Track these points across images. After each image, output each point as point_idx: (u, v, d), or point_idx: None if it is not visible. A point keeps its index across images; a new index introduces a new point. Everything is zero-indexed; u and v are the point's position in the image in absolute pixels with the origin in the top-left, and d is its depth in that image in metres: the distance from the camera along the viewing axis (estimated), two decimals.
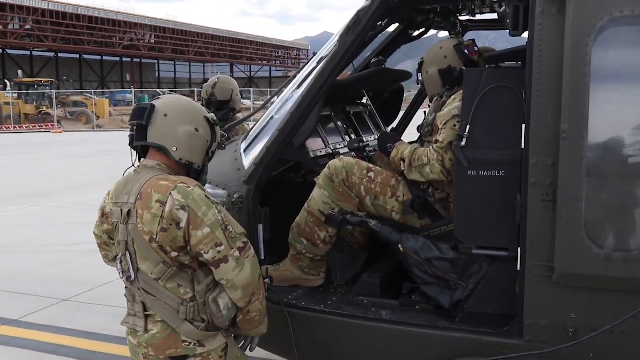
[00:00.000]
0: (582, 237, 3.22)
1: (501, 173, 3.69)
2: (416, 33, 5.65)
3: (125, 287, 3.34)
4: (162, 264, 3.14)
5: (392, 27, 5.54)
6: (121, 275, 3.27)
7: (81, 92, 61.75)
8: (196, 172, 3.37)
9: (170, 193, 3.09)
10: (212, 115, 3.44)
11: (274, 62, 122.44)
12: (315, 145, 5.15)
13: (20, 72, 68.75)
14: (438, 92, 4.47)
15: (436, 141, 4.11)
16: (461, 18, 5.44)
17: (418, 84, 4.79)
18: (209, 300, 3.21)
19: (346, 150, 5.42)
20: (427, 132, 4.55)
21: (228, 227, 3.19)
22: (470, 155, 3.75)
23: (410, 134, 5.86)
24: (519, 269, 3.53)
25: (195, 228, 3.09)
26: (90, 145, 29.18)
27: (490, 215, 3.75)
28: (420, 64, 4.60)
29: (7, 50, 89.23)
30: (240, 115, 7.09)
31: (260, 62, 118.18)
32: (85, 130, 42.59)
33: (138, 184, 3.18)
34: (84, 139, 32.31)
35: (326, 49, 4.43)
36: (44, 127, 42.49)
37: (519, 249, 3.52)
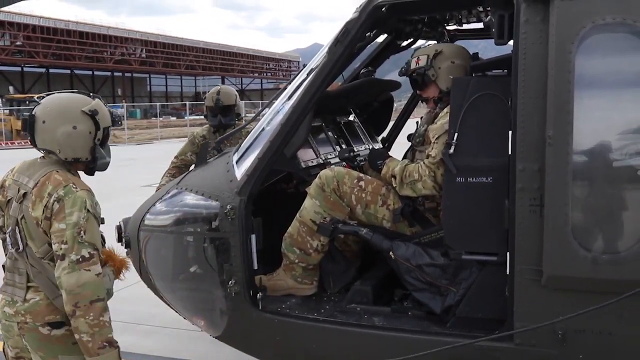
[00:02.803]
0: (569, 241, 3.27)
1: (489, 179, 3.75)
2: (405, 43, 5.70)
3: (7, 259, 3.64)
4: (47, 245, 3.48)
5: (381, 38, 5.60)
6: (10, 247, 3.57)
7: None
8: (86, 164, 3.67)
9: (58, 188, 3.44)
10: (89, 107, 3.60)
11: (265, 74, 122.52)
12: (306, 156, 5.18)
13: (11, 88, 68.71)
14: None
15: (428, 156, 4.16)
16: (448, 28, 5.50)
17: (404, 74, 4.63)
18: None
19: (337, 160, 5.46)
20: (419, 142, 4.60)
21: (81, 233, 3.40)
22: (458, 162, 3.81)
23: (401, 143, 5.92)
24: (508, 273, 3.58)
25: (56, 219, 3.41)
26: None
27: (479, 220, 3.81)
28: (436, 54, 4.41)
29: None
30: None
31: (251, 74, 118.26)
32: None
33: (40, 172, 3.54)
34: None
35: (315, 61, 4.48)
36: None
37: (508, 253, 3.56)
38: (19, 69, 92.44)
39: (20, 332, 3.55)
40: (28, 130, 3.60)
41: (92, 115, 3.59)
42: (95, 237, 3.49)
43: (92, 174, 3.78)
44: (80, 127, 3.56)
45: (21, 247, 3.53)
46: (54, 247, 3.41)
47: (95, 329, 3.36)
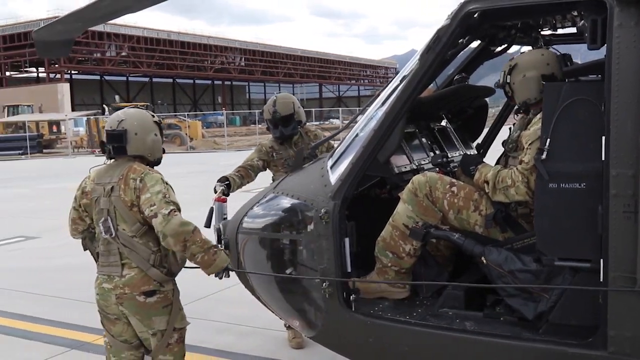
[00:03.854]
0: None
1: (582, 185, 3.70)
2: (498, 49, 5.69)
3: (101, 246, 4.48)
4: (138, 224, 4.33)
5: (475, 44, 5.60)
6: (104, 234, 4.39)
7: (175, 115, 63.37)
8: (159, 162, 4.66)
9: (140, 175, 4.32)
10: (156, 118, 4.62)
11: (362, 81, 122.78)
12: (399, 161, 5.24)
13: (117, 97, 71.20)
14: (534, 97, 4.36)
15: (521, 162, 4.15)
16: (543, 32, 5.45)
17: (500, 87, 4.66)
18: (170, 252, 4.40)
19: (430, 165, 5.49)
20: (512, 148, 4.59)
21: (166, 196, 4.27)
22: (551, 168, 3.78)
23: (496, 149, 5.90)
24: (601, 280, 3.54)
25: (142, 193, 4.27)
26: (184, 166, 29.80)
27: (572, 226, 3.76)
28: (512, 67, 4.47)
29: (105, 77, 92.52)
30: (311, 128, 7.16)
31: (348, 81, 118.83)
32: (179, 151, 43.59)
33: (120, 169, 4.40)
34: (178, 161, 33.07)
35: (408, 68, 4.54)
36: None
37: (602, 260, 3.53)
38: (124, 78, 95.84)
39: (117, 301, 4.38)
40: (121, 142, 4.41)
41: (159, 123, 4.62)
42: (176, 200, 4.34)
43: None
44: (157, 134, 4.58)
45: (114, 233, 4.36)
46: (146, 212, 4.23)
47: (205, 246, 4.27)
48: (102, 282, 4.45)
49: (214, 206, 5.55)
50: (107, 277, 4.43)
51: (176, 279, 4.54)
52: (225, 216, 5.21)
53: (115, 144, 4.44)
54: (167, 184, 4.36)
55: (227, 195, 5.92)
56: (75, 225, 4.65)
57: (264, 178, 6.85)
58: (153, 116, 4.60)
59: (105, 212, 4.38)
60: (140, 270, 4.36)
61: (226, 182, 6.12)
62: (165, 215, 4.17)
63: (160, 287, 4.41)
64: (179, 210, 4.30)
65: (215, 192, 5.81)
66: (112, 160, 4.51)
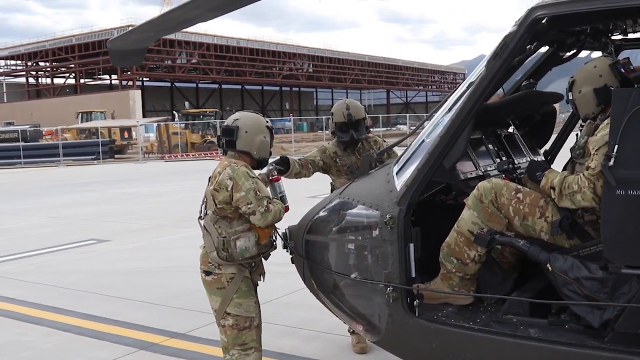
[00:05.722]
0: None
1: None
2: (567, 54, 5.63)
3: None
4: (211, 212, 4.83)
5: (544, 49, 5.56)
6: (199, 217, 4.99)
7: None
8: (265, 162, 5.09)
9: (226, 168, 4.76)
10: (268, 123, 5.06)
11: (430, 87, 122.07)
12: (465, 168, 5.22)
13: (187, 103, 72.38)
14: (592, 111, 4.42)
15: (587, 167, 4.12)
16: (614, 37, 5.37)
17: (567, 103, 4.74)
18: (231, 239, 4.76)
19: (497, 172, 5.46)
20: (578, 154, 4.56)
21: (257, 192, 4.70)
22: (618, 174, 3.73)
23: (564, 156, 5.84)
24: None
25: (236, 191, 4.69)
26: None
27: None
28: (571, 84, 4.55)
29: (176, 84, 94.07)
30: (370, 135, 7.13)
31: (416, 87, 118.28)
32: None
33: (221, 163, 4.91)
34: None
35: (475, 74, 4.54)
36: (209, 154, 44.37)
37: None
38: (194, 85, 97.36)
39: None
40: (231, 136, 4.89)
41: (270, 128, 5.02)
42: (265, 191, 4.85)
43: (262, 168, 5.14)
44: (267, 137, 5.00)
45: (202, 217, 4.93)
46: (243, 209, 4.71)
47: (277, 216, 4.81)
48: None
49: (269, 187, 5.57)
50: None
51: None
52: (281, 194, 5.23)
53: (226, 138, 4.93)
54: (252, 177, 4.77)
55: (284, 173, 6.19)
56: None
57: (326, 183, 6.94)
58: (267, 121, 5.07)
59: (203, 199, 4.96)
60: (205, 250, 4.91)
61: (284, 161, 6.30)
62: (263, 213, 4.70)
63: (216, 269, 4.87)
64: (269, 198, 4.80)
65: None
66: (224, 155, 5.04)
